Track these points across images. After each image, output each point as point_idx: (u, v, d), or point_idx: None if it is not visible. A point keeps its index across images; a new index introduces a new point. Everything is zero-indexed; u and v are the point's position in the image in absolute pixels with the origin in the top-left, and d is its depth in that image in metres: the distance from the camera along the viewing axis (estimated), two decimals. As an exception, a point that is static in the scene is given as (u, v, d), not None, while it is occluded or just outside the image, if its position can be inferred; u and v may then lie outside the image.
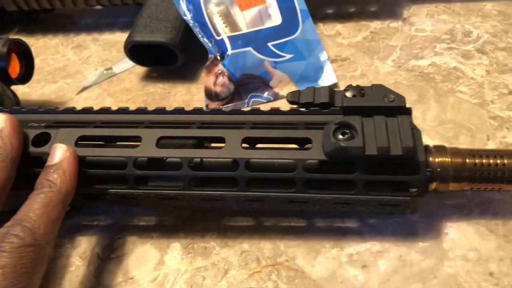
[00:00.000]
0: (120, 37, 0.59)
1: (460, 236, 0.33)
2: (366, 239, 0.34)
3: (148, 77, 0.52)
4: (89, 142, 0.35)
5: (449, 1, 0.55)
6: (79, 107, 0.49)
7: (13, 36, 0.63)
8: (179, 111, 0.36)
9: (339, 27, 0.54)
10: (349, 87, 0.34)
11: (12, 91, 0.45)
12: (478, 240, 0.33)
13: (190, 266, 0.34)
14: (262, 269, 0.33)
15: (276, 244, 0.35)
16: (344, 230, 0.35)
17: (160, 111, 0.36)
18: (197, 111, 0.36)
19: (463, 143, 0.39)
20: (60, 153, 0.31)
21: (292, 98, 0.35)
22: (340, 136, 0.30)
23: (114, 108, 0.36)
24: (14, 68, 0.45)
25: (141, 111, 0.36)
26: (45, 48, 0.60)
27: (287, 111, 0.35)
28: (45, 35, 0.62)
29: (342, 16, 0.56)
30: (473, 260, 0.32)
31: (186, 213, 0.37)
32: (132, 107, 0.48)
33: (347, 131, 0.30)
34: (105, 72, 0.53)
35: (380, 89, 0.33)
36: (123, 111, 0.37)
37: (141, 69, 0.53)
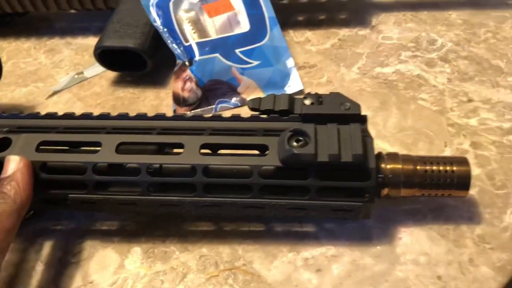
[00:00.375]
0: (93, 42, 0.58)
1: (413, 240, 0.34)
2: (322, 243, 0.35)
3: (119, 82, 0.52)
4: (52, 147, 0.36)
5: (416, 9, 0.56)
6: (48, 111, 0.49)
7: (-14, 39, 0.63)
8: (141, 116, 0.37)
9: (309, 34, 0.55)
10: (308, 95, 0.35)
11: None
12: (429, 245, 0.34)
13: (150, 270, 0.35)
14: (219, 273, 0.34)
15: (235, 248, 0.35)
16: (302, 234, 0.35)
17: (123, 116, 0.37)
18: (159, 117, 0.36)
19: (422, 150, 0.40)
20: (13, 165, 0.31)
21: (253, 105, 0.36)
22: (294, 143, 0.31)
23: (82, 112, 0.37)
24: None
25: (104, 116, 0.37)
26: (17, 52, 0.60)
27: (247, 118, 0.36)
28: (18, 38, 0.62)
29: (312, 24, 0.56)
30: (423, 264, 0.33)
31: (148, 218, 0.38)
32: (101, 110, 0.49)
33: (301, 138, 0.31)
34: (76, 76, 0.53)
35: (337, 97, 0.34)
36: (86, 116, 0.37)
37: (112, 74, 0.53)
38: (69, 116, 0.37)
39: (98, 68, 0.54)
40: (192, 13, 0.49)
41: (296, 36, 0.55)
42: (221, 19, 0.49)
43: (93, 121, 0.37)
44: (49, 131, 0.35)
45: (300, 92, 0.47)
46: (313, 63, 0.51)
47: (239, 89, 0.47)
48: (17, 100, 0.52)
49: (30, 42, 0.61)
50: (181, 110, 0.47)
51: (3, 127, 0.36)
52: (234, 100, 0.47)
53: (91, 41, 0.60)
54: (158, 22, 0.49)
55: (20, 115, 0.38)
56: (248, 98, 0.47)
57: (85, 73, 0.54)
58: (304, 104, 0.34)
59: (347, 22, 0.56)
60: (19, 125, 0.37)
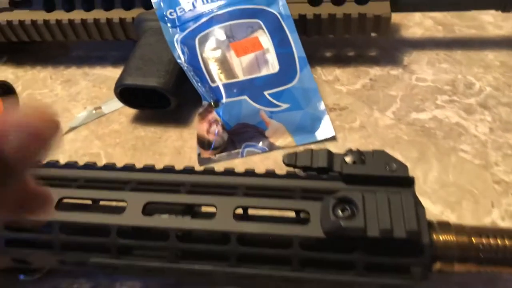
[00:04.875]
0: (111, 73, 0.57)
1: (464, 318, 0.31)
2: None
3: (139, 119, 0.50)
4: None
5: (450, 48, 0.54)
6: (64, 149, 0.47)
7: (0, 66, 0.61)
8: (169, 170, 0.34)
9: (337, 72, 0.53)
10: (349, 152, 0.33)
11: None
12: (483, 324, 0.31)
13: None
14: None
15: (268, 319, 0.32)
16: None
17: (149, 169, 0.34)
18: (187, 171, 0.34)
19: (466, 210, 0.37)
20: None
21: (289, 160, 0.34)
22: (340, 213, 0.28)
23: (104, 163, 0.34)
24: (-4, 110, 0.43)
25: (128, 168, 0.35)
26: (33, 81, 0.58)
27: (283, 175, 0.33)
28: (34, 67, 0.60)
29: (341, 60, 0.54)
30: None
31: (173, 280, 0.35)
32: (121, 152, 0.46)
33: (347, 207, 0.28)
34: (94, 112, 0.51)
35: (381, 156, 0.32)
36: (109, 167, 0.35)
37: (131, 110, 0.51)
38: (91, 166, 0.35)
39: (117, 103, 0.51)
40: (219, 52, 0.47)
41: (325, 74, 0.53)
42: (248, 58, 0.47)
43: (116, 173, 0.34)
44: (69, 185, 0.33)
45: (332, 138, 0.44)
46: (343, 105, 0.48)
47: (267, 133, 0.45)
48: (32, 136, 0.50)
49: (47, 71, 0.59)
50: (206, 154, 0.44)
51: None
52: (261, 144, 0.45)
53: (109, 72, 0.58)
54: (182, 59, 0.47)
55: (39, 163, 0.35)
56: (277, 143, 0.44)
57: (103, 108, 0.52)
58: (345, 163, 0.32)
59: (377, 60, 0.53)
60: (37, 175, 0.34)
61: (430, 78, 0.50)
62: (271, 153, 0.44)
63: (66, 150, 0.47)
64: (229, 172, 0.34)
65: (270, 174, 0.33)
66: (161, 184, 0.33)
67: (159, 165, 0.44)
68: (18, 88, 0.57)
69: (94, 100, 0.54)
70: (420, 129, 0.45)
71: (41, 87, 0.57)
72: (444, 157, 0.42)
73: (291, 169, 0.34)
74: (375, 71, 0.52)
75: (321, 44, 0.56)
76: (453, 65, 0.52)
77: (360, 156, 0.32)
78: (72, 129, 0.50)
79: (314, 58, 0.54)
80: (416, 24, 0.58)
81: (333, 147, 0.44)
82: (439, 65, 0.52)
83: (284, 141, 0.45)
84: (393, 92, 0.49)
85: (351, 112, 0.47)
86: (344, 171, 0.31)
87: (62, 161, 0.46)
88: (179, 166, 0.43)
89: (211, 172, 0.34)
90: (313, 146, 0.44)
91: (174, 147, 0.46)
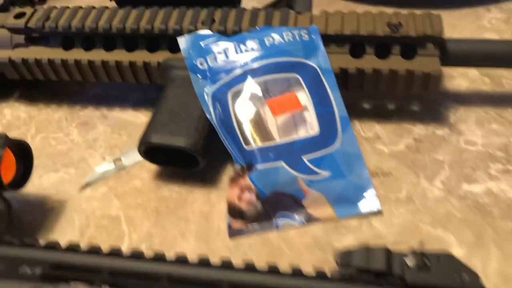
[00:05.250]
0: (132, 117, 0.53)
1: None
2: None
3: (162, 175, 0.46)
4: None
5: (499, 106, 0.49)
6: (81, 209, 0.43)
7: (13, 102, 0.57)
8: (204, 263, 0.30)
9: (377, 128, 0.48)
10: (411, 253, 0.29)
11: (3, 198, 0.38)
12: None
13: None
14: None
15: None
16: None
17: (181, 261, 0.31)
18: (225, 265, 0.30)
19: (535, 313, 0.33)
20: None
21: (342, 260, 0.30)
22: None
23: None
24: (7, 171, 0.39)
25: (158, 258, 0.31)
26: (47, 123, 0.54)
27: (336, 278, 0.29)
28: (49, 105, 0.56)
29: (380, 114, 0.50)
30: None
31: None
32: (143, 214, 0.43)
33: (418, 337, 0.24)
34: (113, 166, 0.47)
35: (449, 262, 0.29)
36: (137, 255, 0.31)
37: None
38: (116, 253, 0.31)
39: (139, 156, 0.47)
40: (254, 110, 0.43)
41: (364, 130, 0.48)
42: (285, 117, 0.43)
43: (145, 265, 0.31)
44: (92, 279, 0.29)
45: (377, 212, 0.40)
46: (387, 170, 0.44)
47: (305, 203, 0.41)
48: (45, 190, 0.46)
49: (62, 111, 0.55)
50: (237, 225, 0.40)
51: (37, 264, 0.30)
52: (297, 216, 0.40)
53: (130, 115, 0.54)
54: (213, 115, 0.43)
55: (57, 246, 0.32)
56: (315, 214, 0.40)
57: (123, 160, 0.48)
58: (407, 266, 0.28)
59: (420, 116, 0.49)
60: (56, 262, 0.31)
61: (480, 141, 0.46)
62: (309, 227, 0.40)
63: (83, 210, 0.43)
64: (273, 270, 0.30)
65: (321, 276, 0.29)
66: (194, 282, 0.29)
67: (185, 235, 0.40)
68: (31, 130, 0.53)
69: (113, 149, 0.50)
70: (473, 205, 0.40)
71: (55, 130, 0.53)
72: (505, 243, 0.37)
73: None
74: (418, 129, 0.48)
75: (359, 95, 0.52)
76: (504, 126, 0.47)
77: (423, 259, 0.29)
78: (88, 184, 0.46)
79: (352, 111, 0.50)
80: (460, 74, 0.54)
81: (379, 222, 0.40)
82: (489, 125, 0.48)
83: (324, 212, 0.40)
84: (440, 156, 0.45)
85: (395, 179, 0.43)
86: (408, 279, 0.28)
87: (78, 223, 0.43)
88: (207, 236, 0.40)
89: (252, 269, 0.30)
90: (355, 221, 0.40)
91: (201, 213, 0.42)
